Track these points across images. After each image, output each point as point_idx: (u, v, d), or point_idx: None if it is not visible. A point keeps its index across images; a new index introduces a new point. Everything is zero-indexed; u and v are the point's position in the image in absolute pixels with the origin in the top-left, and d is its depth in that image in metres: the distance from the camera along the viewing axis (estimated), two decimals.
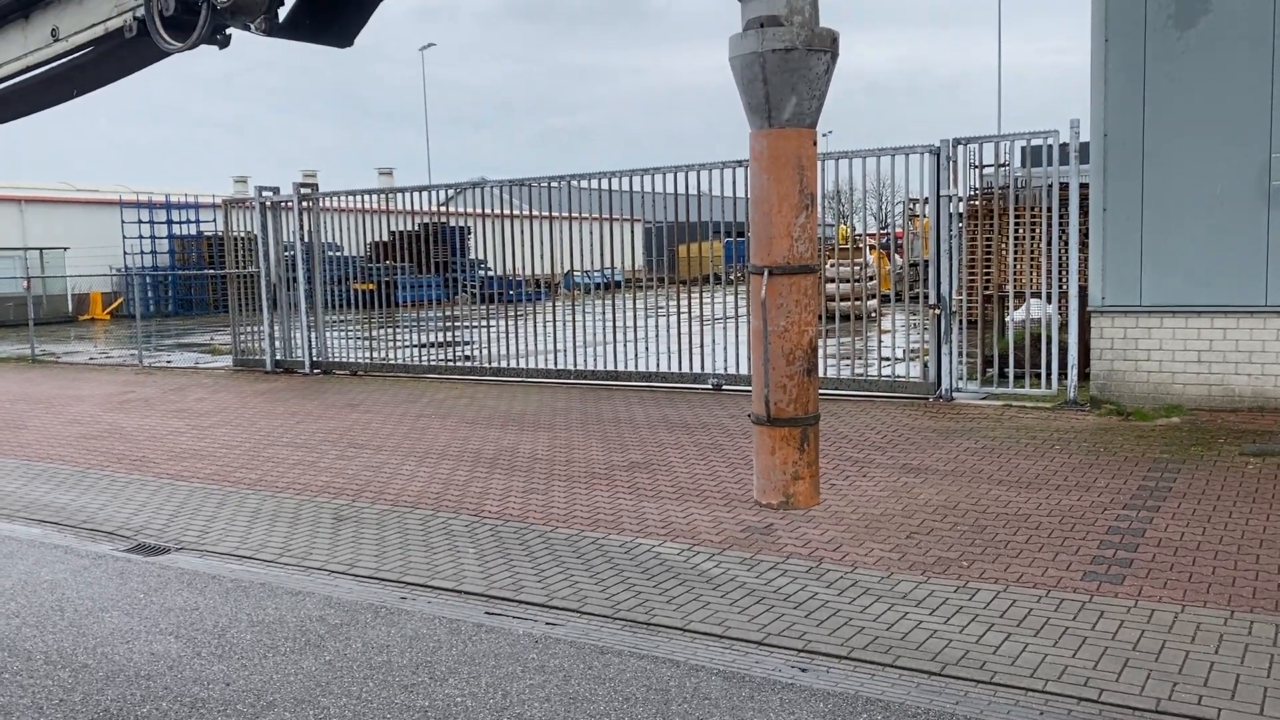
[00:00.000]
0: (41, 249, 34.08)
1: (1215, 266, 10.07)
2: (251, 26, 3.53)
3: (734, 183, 12.50)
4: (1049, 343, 11.03)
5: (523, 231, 14.85)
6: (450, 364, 15.81)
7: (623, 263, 14.59)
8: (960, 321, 11.70)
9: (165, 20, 3.62)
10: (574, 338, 14.35)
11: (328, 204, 16.77)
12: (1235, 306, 10.04)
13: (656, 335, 14.32)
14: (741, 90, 2.60)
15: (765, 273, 2.58)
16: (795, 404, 2.60)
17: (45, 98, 4.71)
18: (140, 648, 5.09)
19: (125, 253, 36.54)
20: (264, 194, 16.91)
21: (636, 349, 14.16)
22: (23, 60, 4.34)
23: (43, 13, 4.20)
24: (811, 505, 2.79)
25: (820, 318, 11.80)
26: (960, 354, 11.71)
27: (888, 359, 14.45)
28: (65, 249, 34.72)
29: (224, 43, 3.65)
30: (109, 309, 36.02)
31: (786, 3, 2.47)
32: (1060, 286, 11.28)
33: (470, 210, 16.11)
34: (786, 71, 2.50)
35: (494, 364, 15.25)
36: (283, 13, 3.63)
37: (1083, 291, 10.93)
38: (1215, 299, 10.10)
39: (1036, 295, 12.19)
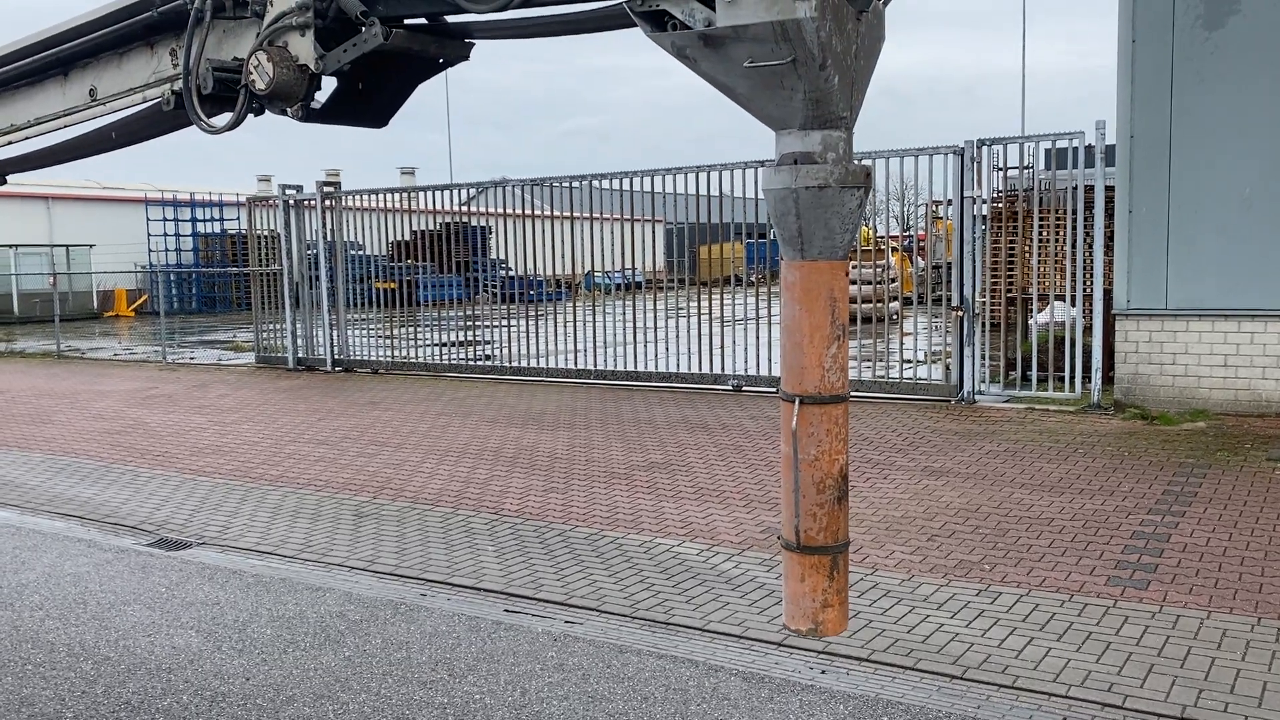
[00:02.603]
0: (68, 246, 34.41)
1: (1243, 269, 9.96)
2: (288, 111, 3.54)
3: (756, 184, 12.46)
4: (1073, 346, 10.94)
5: (543, 231, 14.87)
6: (471, 363, 15.85)
7: (643, 263, 14.59)
8: (983, 324, 11.62)
9: (202, 95, 3.63)
10: (594, 338, 14.36)
11: (350, 203, 16.85)
12: (1263, 310, 9.92)
13: (677, 336, 14.30)
14: (774, 222, 2.62)
15: (796, 402, 2.58)
16: (825, 532, 2.59)
17: (87, 151, 4.76)
18: (162, 641, 5.12)
19: (150, 250, 36.87)
20: (287, 193, 17.01)
21: (656, 350, 14.15)
22: (60, 120, 4.37)
23: (81, 71, 4.24)
24: (840, 632, 2.78)
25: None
26: (983, 356, 11.63)
27: (909, 361, 14.38)
28: (91, 246, 35.05)
29: (259, 112, 3.67)
30: (133, 306, 36.33)
31: (821, 140, 2.47)
32: (1085, 289, 11.19)
33: (491, 210, 16.16)
34: (820, 208, 2.51)
35: (514, 363, 15.27)
36: (320, 96, 3.64)
37: (1107, 294, 10.84)
38: (1243, 302, 9.99)
39: (1060, 298, 12.10)
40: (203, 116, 3.66)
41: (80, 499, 8.23)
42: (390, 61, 3.53)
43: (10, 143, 4.60)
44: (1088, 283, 11.12)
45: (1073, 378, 10.95)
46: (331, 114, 3.70)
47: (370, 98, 3.73)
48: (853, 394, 12.67)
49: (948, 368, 11.91)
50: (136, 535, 7.17)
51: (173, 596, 5.81)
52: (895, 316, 15.77)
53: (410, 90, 3.80)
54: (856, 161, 2.61)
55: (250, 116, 3.63)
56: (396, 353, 16.60)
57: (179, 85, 3.70)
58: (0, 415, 12.77)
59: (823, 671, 4.57)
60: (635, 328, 14.04)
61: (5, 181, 5.23)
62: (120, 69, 4.07)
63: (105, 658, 4.93)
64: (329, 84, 3.63)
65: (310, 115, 3.58)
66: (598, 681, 4.51)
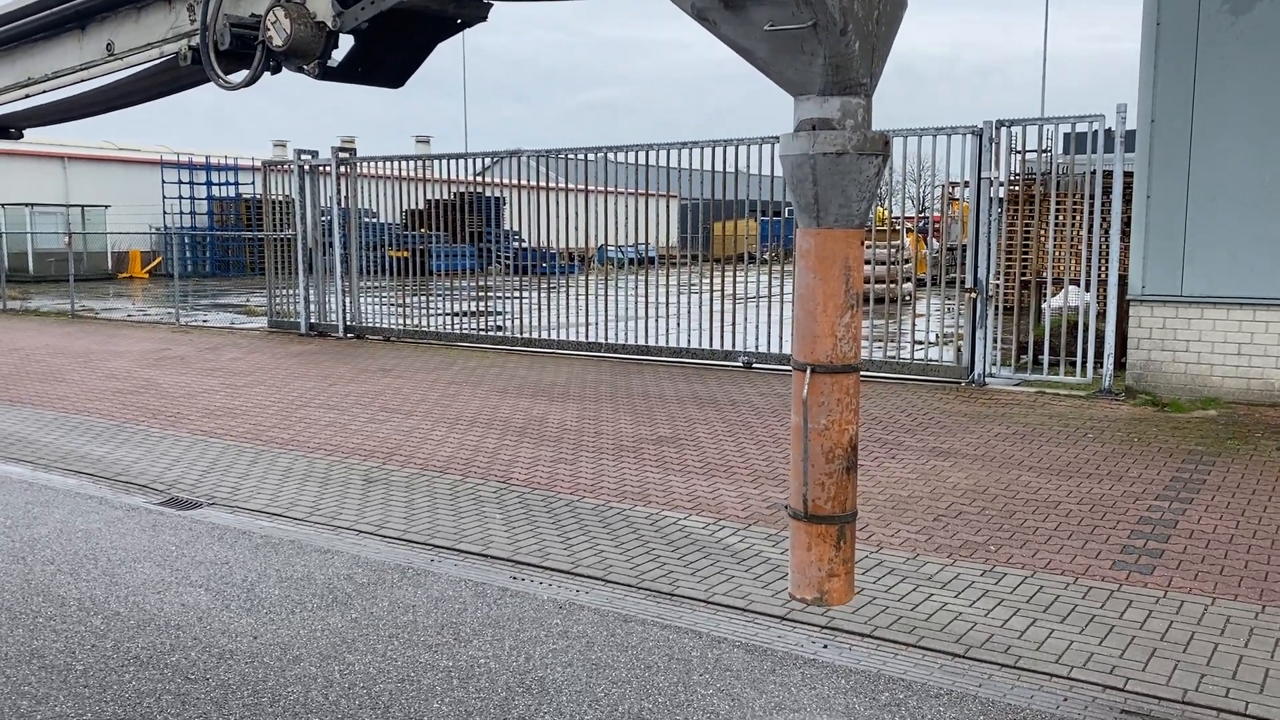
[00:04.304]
0: (83, 206, 34.49)
1: (1260, 258, 9.89)
2: (305, 69, 3.53)
3: (772, 159, 12.40)
4: (1085, 330, 10.90)
5: (557, 204, 14.83)
6: (482, 333, 15.87)
7: (657, 239, 14.55)
8: (996, 307, 11.58)
9: (219, 52, 3.62)
10: (606, 312, 14.35)
11: (365, 170, 16.83)
12: (1279, 299, 9.86)
13: (689, 312, 14.29)
14: (791, 189, 2.58)
15: (808, 370, 2.58)
16: (833, 501, 2.60)
17: (103, 106, 4.75)
18: (171, 598, 5.17)
19: (165, 212, 36.92)
20: (303, 158, 16.99)
21: (668, 325, 14.14)
22: (77, 74, 4.36)
23: (99, 25, 4.22)
24: (845, 602, 2.81)
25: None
26: (995, 339, 11.60)
27: (921, 342, 14.34)
28: (106, 207, 35.12)
29: (275, 70, 3.65)
30: (147, 268, 36.42)
31: (840, 106, 2.45)
32: (1099, 274, 11.13)
33: (505, 181, 16.12)
34: (837, 174, 2.49)
35: (525, 335, 15.28)
36: (337, 55, 3.62)
37: (1122, 280, 10.78)
38: (1259, 291, 9.92)
39: (1075, 282, 12.03)
40: (220, 73, 3.66)
41: (92, 457, 8.30)
42: (408, 21, 3.52)
43: (27, 96, 4.61)
44: (1103, 268, 11.06)
45: (1084, 363, 10.91)
46: (348, 73, 3.69)
47: (387, 57, 3.72)
48: (863, 374, 12.67)
49: (959, 349, 11.88)
50: (147, 494, 7.23)
51: (182, 555, 5.87)
52: (908, 297, 15.72)
53: (428, 51, 3.78)
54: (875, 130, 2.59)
55: (267, 74, 3.63)
56: (408, 321, 16.62)
57: (196, 41, 3.70)
58: (14, 373, 12.85)
59: (825, 646, 4.60)
60: (647, 302, 14.03)
61: (21, 135, 5.23)
62: (138, 23, 4.06)
63: (115, 613, 4.99)
64: (346, 42, 3.62)
65: (327, 73, 3.57)
66: (602, 650, 4.54)
